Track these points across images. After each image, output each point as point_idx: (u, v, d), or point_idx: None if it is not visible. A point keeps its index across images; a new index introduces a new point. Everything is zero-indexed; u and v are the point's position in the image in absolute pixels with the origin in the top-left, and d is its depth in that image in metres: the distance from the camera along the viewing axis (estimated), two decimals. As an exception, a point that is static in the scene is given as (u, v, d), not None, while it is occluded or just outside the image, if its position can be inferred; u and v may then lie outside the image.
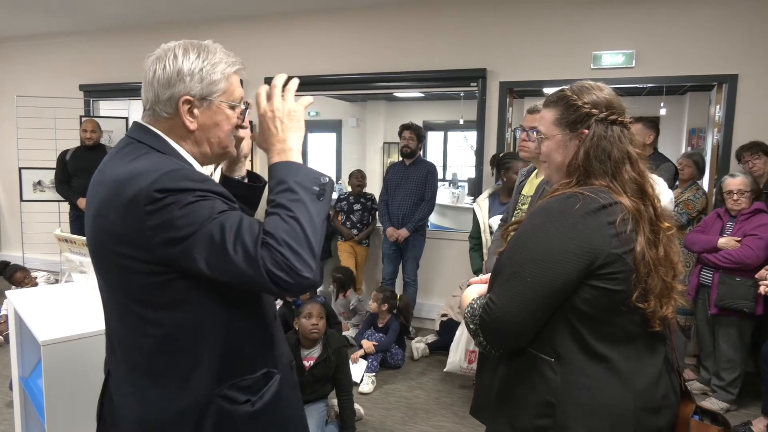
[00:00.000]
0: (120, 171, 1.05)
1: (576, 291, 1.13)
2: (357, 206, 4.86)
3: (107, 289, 1.14)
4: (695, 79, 4.09)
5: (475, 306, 1.23)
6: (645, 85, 4.44)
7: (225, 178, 1.31)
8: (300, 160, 1.09)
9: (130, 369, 1.12)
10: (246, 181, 1.35)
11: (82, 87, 5.94)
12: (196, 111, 1.11)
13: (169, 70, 1.09)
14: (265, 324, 1.19)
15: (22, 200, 5.67)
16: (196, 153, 1.15)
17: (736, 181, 3.29)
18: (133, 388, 1.11)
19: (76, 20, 5.46)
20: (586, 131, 1.22)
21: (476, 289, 1.34)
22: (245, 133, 1.21)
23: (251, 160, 5.35)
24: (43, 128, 5.43)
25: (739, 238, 3.19)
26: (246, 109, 1.19)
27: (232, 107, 1.15)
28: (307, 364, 2.82)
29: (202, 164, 1.18)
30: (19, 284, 4.33)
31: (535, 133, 1.32)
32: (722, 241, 3.24)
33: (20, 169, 5.55)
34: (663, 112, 5.80)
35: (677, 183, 3.89)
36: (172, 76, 1.09)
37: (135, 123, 1.16)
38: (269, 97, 1.12)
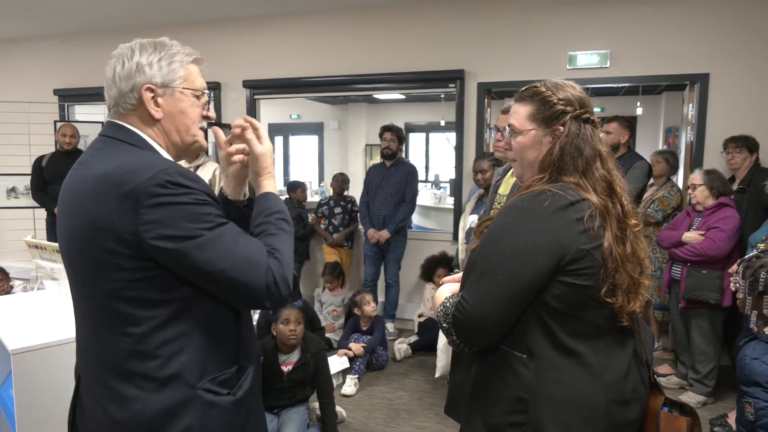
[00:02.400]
0: (108, 165, 1.05)
1: (546, 287, 1.15)
2: (338, 209, 4.85)
3: (82, 288, 1.12)
4: (668, 79, 4.16)
5: (447, 305, 1.23)
6: (622, 85, 4.51)
7: (225, 200, 1.32)
8: None
9: (106, 371, 1.10)
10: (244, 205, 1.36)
11: (56, 91, 5.85)
12: (159, 100, 1.14)
13: (128, 64, 1.13)
14: (241, 320, 1.20)
15: (-5, 207, 5.56)
16: (167, 144, 1.17)
17: (691, 176, 3.45)
18: (108, 391, 1.10)
19: (49, 24, 5.37)
20: (561, 128, 1.23)
21: (449, 287, 1.34)
22: (238, 158, 1.26)
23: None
24: (16, 134, 5.32)
25: (703, 232, 3.26)
26: (210, 98, 1.22)
27: (197, 96, 1.19)
28: (285, 369, 2.80)
29: (175, 159, 1.18)
30: None
31: (506, 128, 1.32)
32: (687, 235, 3.32)
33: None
34: (639, 111, 5.89)
35: (652, 180, 3.95)
36: (131, 69, 1.12)
37: (108, 121, 1.16)
38: (259, 138, 1.22)
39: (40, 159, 4.94)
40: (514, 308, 1.15)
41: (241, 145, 1.25)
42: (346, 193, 5.00)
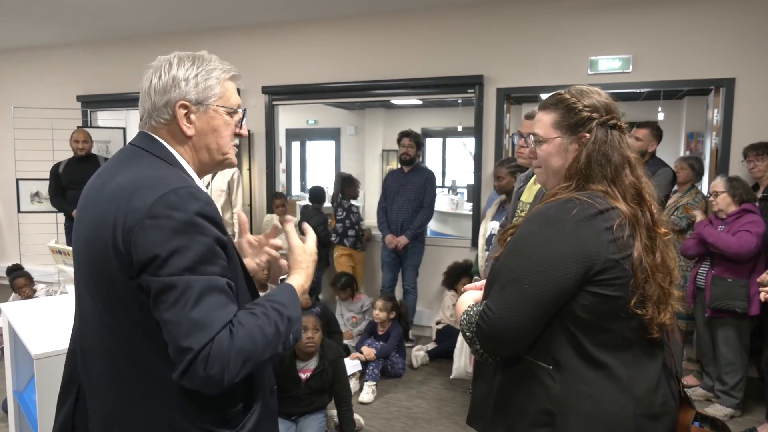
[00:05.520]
0: (126, 177, 1.03)
1: (574, 297, 1.12)
2: (348, 213, 4.86)
3: (90, 298, 1.08)
4: (692, 83, 4.09)
5: (471, 313, 1.21)
6: (642, 90, 4.44)
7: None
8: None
9: (106, 384, 1.07)
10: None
11: (79, 98, 5.95)
12: (193, 116, 1.12)
13: (164, 78, 1.11)
14: None
15: (19, 211, 5.66)
16: (195, 161, 1.15)
17: (713, 183, 3.38)
18: (108, 407, 1.07)
19: (72, 31, 5.47)
20: (587, 135, 1.21)
21: (471, 295, 1.33)
22: (283, 263, 1.27)
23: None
24: (40, 139, 5.42)
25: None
26: (243, 117, 1.20)
27: (230, 113, 1.16)
28: (303, 376, 2.79)
29: (200, 174, 1.17)
30: (19, 290, 4.30)
31: (531, 137, 1.30)
32: (698, 215, 3.34)
33: (17, 180, 5.54)
34: (661, 116, 5.80)
35: (676, 187, 3.88)
36: (167, 84, 1.10)
37: (140, 132, 1.16)
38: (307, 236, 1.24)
39: (57, 165, 5.02)
40: (540, 318, 1.13)
41: (279, 242, 1.25)
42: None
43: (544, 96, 4.52)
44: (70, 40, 5.79)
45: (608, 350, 1.14)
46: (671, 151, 7.36)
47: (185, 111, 1.11)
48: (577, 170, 1.21)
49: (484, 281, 1.32)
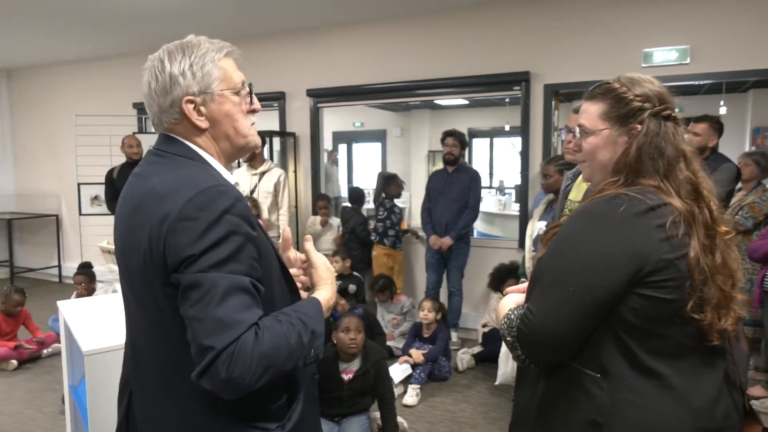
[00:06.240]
0: (157, 181, 1.03)
1: (623, 300, 1.05)
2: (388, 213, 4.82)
3: (135, 302, 1.10)
4: (758, 74, 3.82)
5: (512, 317, 1.15)
6: (702, 83, 4.19)
7: None
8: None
9: (157, 386, 1.09)
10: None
11: (135, 105, 6.20)
12: (202, 108, 1.08)
13: (161, 78, 1.07)
14: None
15: (81, 214, 5.97)
16: (217, 151, 1.13)
17: None
18: (160, 410, 1.08)
19: (127, 42, 5.70)
20: (639, 126, 1.13)
21: (513, 298, 1.27)
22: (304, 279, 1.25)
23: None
24: (99, 145, 5.68)
25: None
26: (251, 91, 1.16)
27: (236, 92, 1.12)
28: (346, 377, 2.78)
29: (227, 162, 1.16)
30: (77, 287, 4.50)
31: (576, 129, 1.23)
32: None
33: (79, 184, 5.83)
34: (723, 111, 5.46)
35: (740, 185, 3.64)
36: (166, 83, 1.07)
37: (161, 134, 1.15)
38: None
39: (111, 171, 5.22)
40: (585, 322, 1.06)
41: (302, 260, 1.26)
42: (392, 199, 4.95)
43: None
44: (125, 50, 6.04)
45: (662, 358, 1.06)
46: (735, 147, 6.92)
47: (192, 105, 1.07)
48: (626, 164, 1.13)
49: (526, 284, 1.26)
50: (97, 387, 1.86)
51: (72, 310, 2.37)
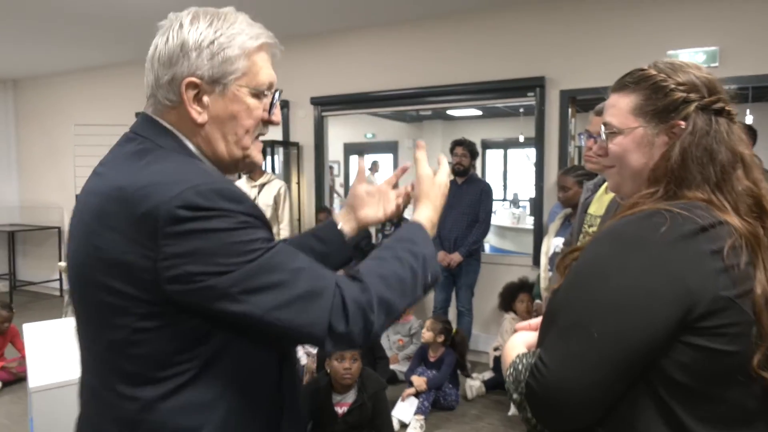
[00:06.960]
0: (125, 176, 0.81)
1: (666, 352, 0.81)
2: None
3: (85, 329, 0.89)
4: (795, 78, 3.54)
5: (519, 368, 0.89)
6: (730, 87, 3.92)
7: (341, 240, 1.20)
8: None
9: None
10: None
11: (137, 114, 6.06)
12: (205, 98, 0.86)
13: (170, 42, 0.86)
14: (283, 386, 0.92)
15: (80, 226, 5.82)
16: (208, 155, 0.90)
17: None
18: None
19: (132, 50, 5.62)
20: (682, 123, 0.90)
21: (522, 338, 1.02)
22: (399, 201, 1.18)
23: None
24: (100, 156, 5.53)
25: None
26: (277, 99, 0.93)
27: (256, 95, 0.89)
28: (340, 410, 2.55)
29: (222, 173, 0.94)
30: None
31: (602, 128, 0.99)
32: None
33: (77, 196, 5.69)
34: (749, 120, 5.13)
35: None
36: (173, 51, 0.85)
37: (141, 114, 0.92)
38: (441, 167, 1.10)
39: None
40: (615, 380, 0.81)
41: (403, 189, 1.18)
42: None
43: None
44: (125, 59, 5.95)
45: (718, 427, 0.82)
46: (766, 159, 6.60)
47: (195, 91, 0.85)
48: (666, 171, 0.90)
49: (539, 320, 1.01)
50: (43, 428, 1.63)
51: (35, 336, 2.16)
